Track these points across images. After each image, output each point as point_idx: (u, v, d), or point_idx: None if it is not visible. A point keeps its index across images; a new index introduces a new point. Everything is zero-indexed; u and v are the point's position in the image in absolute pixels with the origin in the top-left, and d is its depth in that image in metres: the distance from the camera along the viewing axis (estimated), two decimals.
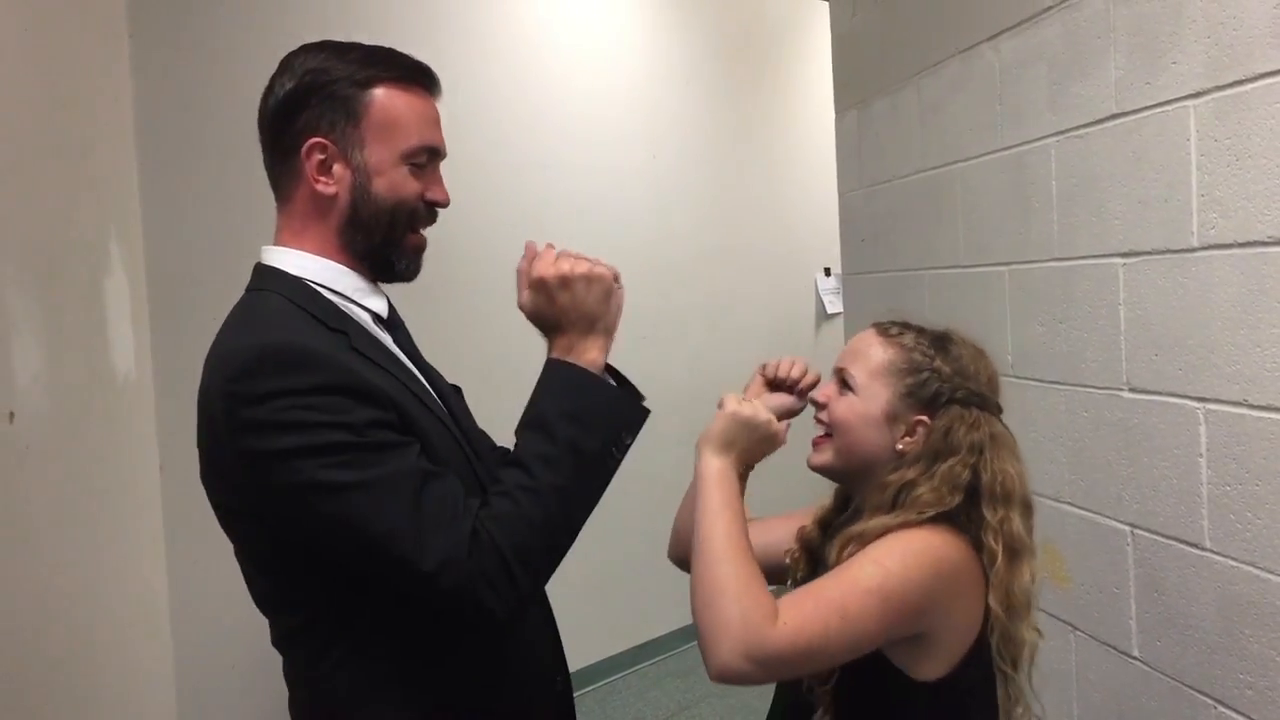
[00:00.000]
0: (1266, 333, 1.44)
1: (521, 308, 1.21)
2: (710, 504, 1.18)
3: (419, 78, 1.22)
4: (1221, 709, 1.56)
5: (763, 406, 1.27)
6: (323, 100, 1.15)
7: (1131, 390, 1.74)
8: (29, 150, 2.26)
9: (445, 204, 1.24)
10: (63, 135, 2.45)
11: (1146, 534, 1.72)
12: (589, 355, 1.17)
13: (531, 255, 1.22)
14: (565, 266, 1.18)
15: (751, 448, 1.26)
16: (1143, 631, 1.74)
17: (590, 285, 1.18)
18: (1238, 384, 1.50)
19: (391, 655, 1.14)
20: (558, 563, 1.14)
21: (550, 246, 1.23)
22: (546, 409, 1.13)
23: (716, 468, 1.21)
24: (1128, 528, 1.76)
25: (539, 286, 1.18)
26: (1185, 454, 1.61)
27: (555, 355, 1.18)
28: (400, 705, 1.14)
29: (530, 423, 1.14)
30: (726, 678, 1.09)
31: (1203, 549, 1.58)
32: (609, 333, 1.20)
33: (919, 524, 1.21)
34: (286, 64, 1.19)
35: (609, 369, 1.23)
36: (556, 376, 1.16)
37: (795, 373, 1.45)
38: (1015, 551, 1.23)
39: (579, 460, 1.11)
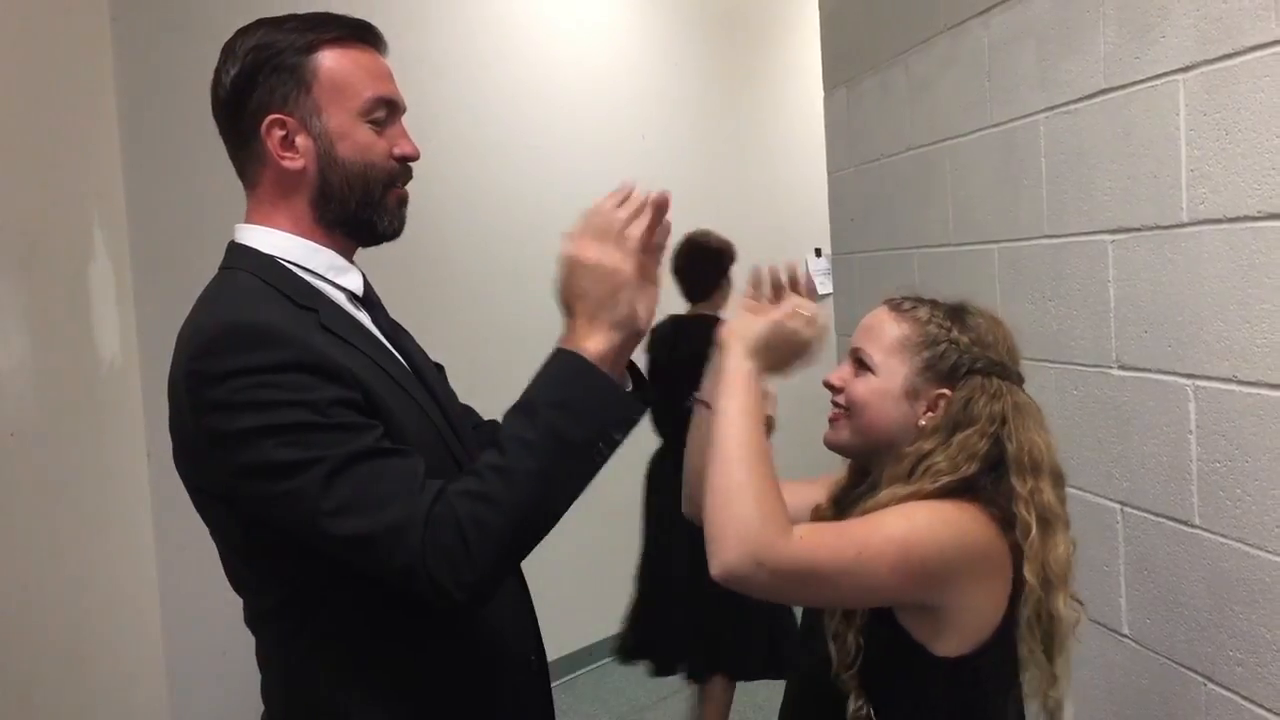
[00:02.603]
0: (1256, 308, 1.44)
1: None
2: (735, 405, 1.15)
3: (362, 34, 1.20)
4: (1211, 686, 1.56)
5: (813, 320, 1.24)
6: (270, 75, 1.14)
7: (1121, 367, 1.73)
8: (10, 135, 2.23)
9: (415, 157, 1.22)
10: (45, 120, 2.43)
11: (1136, 511, 1.71)
12: (584, 343, 1.10)
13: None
14: (582, 250, 1.11)
15: (784, 360, 1.23)
16: (1132, 609, 1.74)
17: (601, 277, 1.11)
18: (1227, 360, 1.49)
19: (362, 637, 1.13)
20: (526, 549, 1.09)
21: (618, 198, 1.14)
22: (535, 393, 1.11)
23: (745, 371, 1.18)
24: (1117, 505, 1.76)
25: (562, 264, 1.13)
26: (1175, 431, 1.61)
27: (560, 342, 1.13)
28: (371, 687, 1.13)
29: (517, 405, 1.11)
30: (730, 577, 1.07)
31: (1192, 526, 1.58)
32: (619, 327, 1.11)
33: (933, 493, 1.19)
34: (228, 50, 1.18)
35: (631, 368, 1.19)
36: (551, 362, 1.12)
37: (786, 279, 1.35)
38: (1048, 522, 1.20)
39: (560, 448, 1.06)
